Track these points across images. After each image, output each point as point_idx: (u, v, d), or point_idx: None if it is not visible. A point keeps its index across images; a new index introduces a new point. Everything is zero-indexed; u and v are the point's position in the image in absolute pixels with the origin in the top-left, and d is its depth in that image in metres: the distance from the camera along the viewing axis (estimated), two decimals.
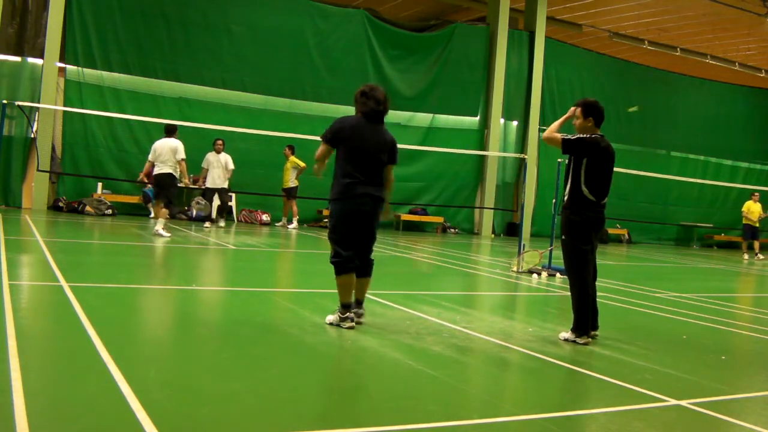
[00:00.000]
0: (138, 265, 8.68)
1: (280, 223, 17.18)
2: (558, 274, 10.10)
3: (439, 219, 20.39)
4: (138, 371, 3.73)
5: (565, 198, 5.68)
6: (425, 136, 20.22)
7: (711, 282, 12.76)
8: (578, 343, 5.39)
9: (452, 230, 20.67)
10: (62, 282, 6.32)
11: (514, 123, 21.80)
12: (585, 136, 5.62)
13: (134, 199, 16.71)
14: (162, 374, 3.83)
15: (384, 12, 20.85)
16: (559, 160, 10.47)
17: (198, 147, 15.08)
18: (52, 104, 15.57)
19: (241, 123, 16.41)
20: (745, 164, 26.54)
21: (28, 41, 15.88)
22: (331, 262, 5.38)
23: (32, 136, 15.51)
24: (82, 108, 15.72)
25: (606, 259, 15.10)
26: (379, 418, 3.41)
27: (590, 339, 5.49)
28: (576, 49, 23.16)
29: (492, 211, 20.81)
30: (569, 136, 5.67)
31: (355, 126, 5.41)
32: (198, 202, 16.81)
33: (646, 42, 23.34)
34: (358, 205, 5.33)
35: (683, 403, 3.98)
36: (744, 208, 19.53)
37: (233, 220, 17.48)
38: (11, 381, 3.34)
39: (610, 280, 10.03)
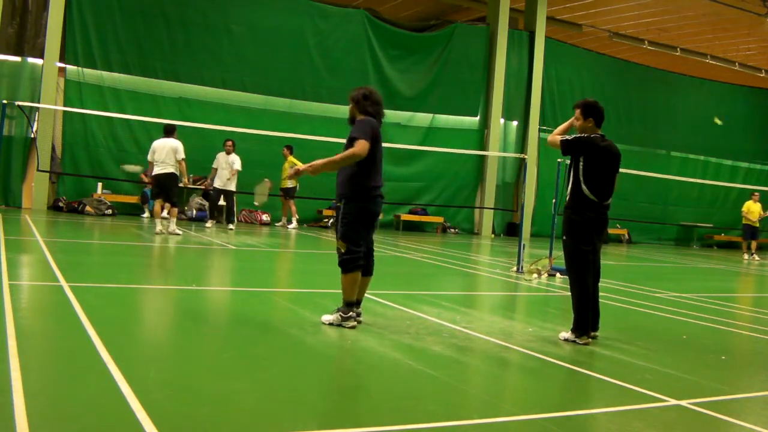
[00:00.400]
0: (138, 265, 8.68)
1: (280, 223, 17.18)
2: (558, 274, 10.10)
3: (439, 219, 20.40)
4: (138, 371, 3.73)
5: (567, 198, 5.70)
6: (425, 136, 20.23)
7: (711, 282, 12.77)
8: (578, 343, 5.39)
9: (452, 230, 20.66)
10: (62, 282, 6.31)
11: (514, 123, 21.80)
12: (583, 135, 5.65)
13: (134, 199, 16.71)
14: (162, 374, 3.83)
15: (384, 12, 20.85)
16: (559, 160, 10.48)
17: (198, 147, 15.06)
18: (52, 104, 15.56)
19: (241, 123, 16.38)
20: (745, 164, 26.54)
21: (28, 41, 15.88)
22: (343, 260, 5.37)
23: (32, 136, 15.50)
24: (82, 108, 15.70)
25: (606, 259, 15.01)
26: (379, 418, 3.41)
27: (590, 339, 5.49)
28: (576, 49, 23.16)
29: (492, 211, 20.81)
30: (568, 137, 5.71)
31: (377, 128, 5.49)
32: (198, 202, 16.81)
33: (646, 42, 23.34)
34: (378, 206, 5.52)
35: (683, 403, 3.98)
36: (744, 208, 19.52)
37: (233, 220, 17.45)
38: (11, 381, 3.34)
39: (610, 280, 10.03)
